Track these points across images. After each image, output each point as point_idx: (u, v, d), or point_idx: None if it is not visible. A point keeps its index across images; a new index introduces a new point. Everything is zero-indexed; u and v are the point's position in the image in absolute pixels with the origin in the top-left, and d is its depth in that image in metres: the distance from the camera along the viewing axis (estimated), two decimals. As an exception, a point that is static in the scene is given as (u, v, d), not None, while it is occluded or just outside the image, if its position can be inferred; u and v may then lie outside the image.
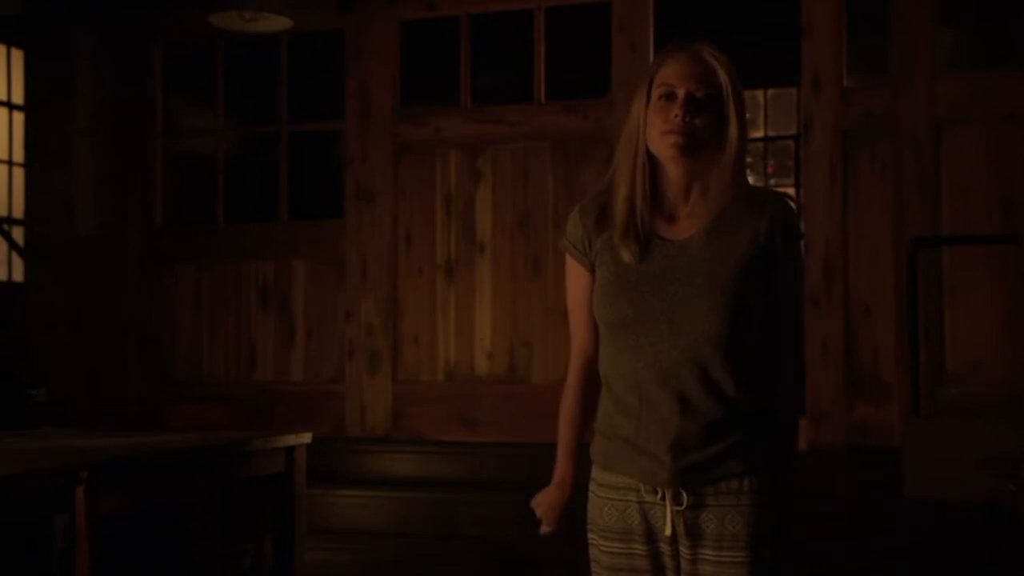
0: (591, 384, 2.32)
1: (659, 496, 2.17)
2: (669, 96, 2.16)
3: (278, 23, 5.92)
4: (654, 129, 2.17)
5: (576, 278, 2.29)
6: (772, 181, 9.51)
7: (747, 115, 2.21)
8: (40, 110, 6.59)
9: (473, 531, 5.27)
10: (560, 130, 6.03)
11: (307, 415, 6.15)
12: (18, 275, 6.66)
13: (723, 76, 2.16)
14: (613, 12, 5.96)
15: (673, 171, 2.19)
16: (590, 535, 2.27)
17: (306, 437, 4.11)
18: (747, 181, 2.23)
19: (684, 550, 2.17)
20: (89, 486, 3.03)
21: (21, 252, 6.51)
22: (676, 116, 2.14)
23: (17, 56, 6.71)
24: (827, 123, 5.62)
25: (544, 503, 2.34)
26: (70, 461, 3.18)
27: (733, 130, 2.16)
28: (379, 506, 5.49)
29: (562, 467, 2.34)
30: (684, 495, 2.15)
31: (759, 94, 8.83)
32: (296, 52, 6.52)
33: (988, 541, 4.45)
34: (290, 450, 4.04)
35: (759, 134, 9.02)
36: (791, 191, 8.53)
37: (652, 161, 2.20)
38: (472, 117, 6.18)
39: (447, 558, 5.11)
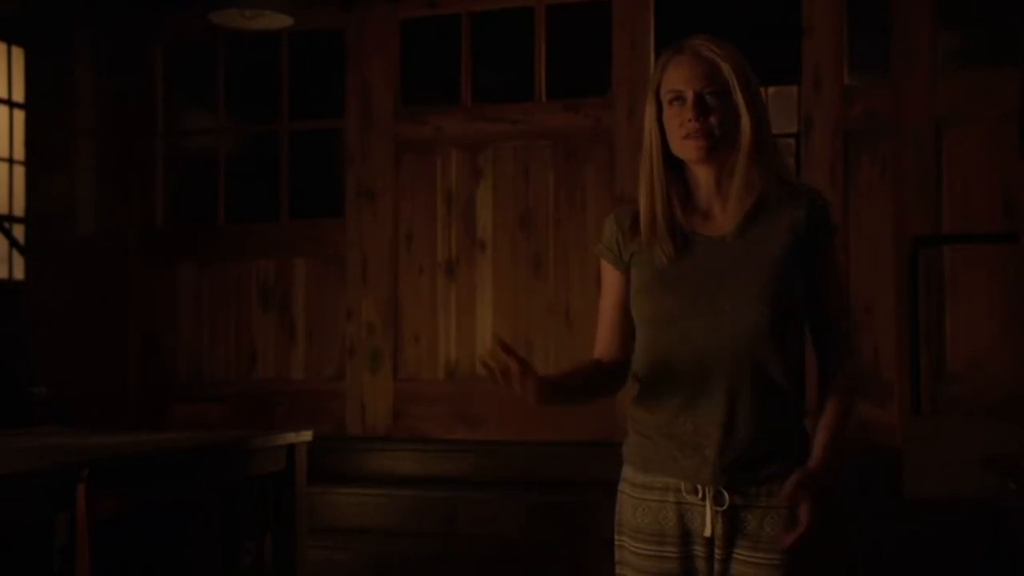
0: (603, 367, 2.29)
1: (699, 496, 2.17)
2: (679, 100, 2.18)
3: (279, 21, 5.91)
4: (673, 135, 2.20)
5: (609, 281, 2.31)
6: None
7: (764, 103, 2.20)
8: (41, 109, 6.58)
9: (473, 530, 5.27)
10: (561, 128, 6.02)
11: (308, 414, 6.14)
12: (19, 274, 6.66)
13: (727, 69, 2.17)
14: (614, 10, 5.96)
15: (700, 172, 2.22)
16: (618, 536, 2.26)
17: (307, 436, 4.11)
18: (782, 170, 2.22)
19: (718, 551, 2.17)
20: (89, 486, 3.03)
21: (22, 250, 6.51)
22: (690, 120, 2.16)
23: (18, 55, 6.70)
24: (828, 122, 5.62)
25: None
26: (70, 461, 3.17)
27: (746, 120, 2.17)
28: (380, 505, 5.49)
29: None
30: (725, 495, 2.15)
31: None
32: (297, 50, 6.52)
33: (988, 541, 4.45)
34: (291, 449, 4.04)
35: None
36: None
37: (680, 163, 2.23)
38: (473, 115, 6.18)
39: (448, 557, 5.11)
